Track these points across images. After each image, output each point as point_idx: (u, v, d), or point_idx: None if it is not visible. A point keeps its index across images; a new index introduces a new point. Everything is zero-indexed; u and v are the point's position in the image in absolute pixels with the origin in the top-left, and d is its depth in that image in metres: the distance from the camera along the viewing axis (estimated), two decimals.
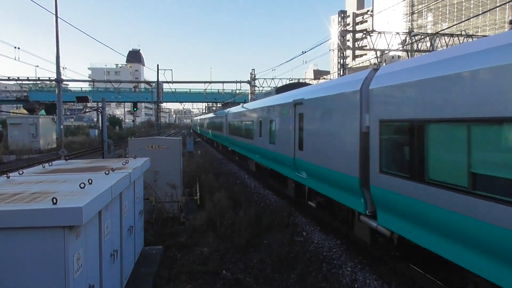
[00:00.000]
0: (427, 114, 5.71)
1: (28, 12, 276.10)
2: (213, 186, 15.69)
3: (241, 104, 25.02)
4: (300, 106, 11.20)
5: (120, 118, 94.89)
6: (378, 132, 6.85)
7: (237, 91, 51.02)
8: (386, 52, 31.48)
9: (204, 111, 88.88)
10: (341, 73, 31.54)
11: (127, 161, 7.66)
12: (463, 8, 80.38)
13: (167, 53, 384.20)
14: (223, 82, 52.41)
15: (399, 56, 71.82)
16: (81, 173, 6.20)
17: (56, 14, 32.22)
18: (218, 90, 58.97)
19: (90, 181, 4.88)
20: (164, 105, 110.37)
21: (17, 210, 3.71)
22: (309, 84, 15.74)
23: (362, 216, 7.79)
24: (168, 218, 11.38)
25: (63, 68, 40.02)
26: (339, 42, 30.85)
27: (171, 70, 46.36)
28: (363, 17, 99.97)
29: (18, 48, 37.15)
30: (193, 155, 28.39)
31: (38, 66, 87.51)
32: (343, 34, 31.16)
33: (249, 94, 45.52)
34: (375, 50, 30.97)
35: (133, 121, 54.10)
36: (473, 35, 36.97)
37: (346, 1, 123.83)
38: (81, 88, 66.58)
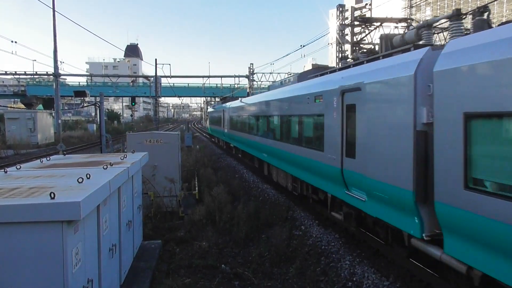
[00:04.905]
0: None
1: (26, 5, 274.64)
2: (212, 180, 15.68)
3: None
4: (352, 94, 8.11)
5: (118, 113, 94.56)
6: (461, 130, 4.99)
7: (236, 86, 50.98)
8: None
9: (202, 106, 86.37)
10: None
11: (125, 156, 7.64)
12: (461, 2, 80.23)
13: (165, 48, 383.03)
14: (221, 77, 52.51)
15: None
16: (79, 167, 6.19)
17: (53, 8, 32.04)
18: (217, 84, 58.97)
19: (88, 176, 4.87)
20: (163, 99, 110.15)
21: (15, 205, 3.70)
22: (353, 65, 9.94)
23: (416, 240, 6.22)
24: (166, 213, 11.39)
25: (60, 62, 39.83)
26: (338, 36, 30.78)
27: (169, 64, 46.03)
28: (361, 11, 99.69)
29: (15, 42, 37.05)
30: (191, 150, 28.38)
31: (35, 60, 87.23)
32: (341, 28, 31.07)
33: (248, 89, 45.48)
34: (374, 44, 30.90)
35: (132, 115, 54.05)
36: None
37: None
38: (79, 82, 66.41)
